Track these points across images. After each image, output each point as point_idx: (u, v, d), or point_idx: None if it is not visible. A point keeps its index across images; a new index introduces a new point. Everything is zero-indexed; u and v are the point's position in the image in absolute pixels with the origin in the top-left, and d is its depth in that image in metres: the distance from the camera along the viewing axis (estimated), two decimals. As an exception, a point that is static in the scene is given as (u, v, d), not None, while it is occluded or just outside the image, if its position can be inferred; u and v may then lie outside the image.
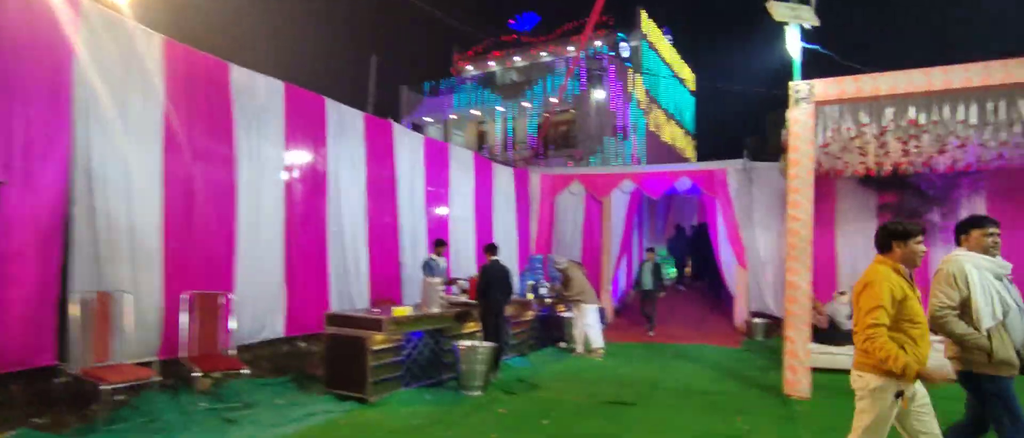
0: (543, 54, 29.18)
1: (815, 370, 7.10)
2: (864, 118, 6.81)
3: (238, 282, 6.55)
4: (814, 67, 6.92)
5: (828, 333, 8.08)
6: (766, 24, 7.04)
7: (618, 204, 12.93)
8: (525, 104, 26.91)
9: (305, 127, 7.63)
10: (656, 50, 29.81)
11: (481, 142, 28.89)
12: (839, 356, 7.97)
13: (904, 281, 3.17)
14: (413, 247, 9.44)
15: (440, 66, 31.95)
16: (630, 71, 26.81)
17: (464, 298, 8.30)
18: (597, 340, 9.23)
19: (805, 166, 6.58)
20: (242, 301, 6.43)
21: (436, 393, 6.69)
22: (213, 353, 5.90)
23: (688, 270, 16.05)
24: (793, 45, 6.90)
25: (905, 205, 10.33)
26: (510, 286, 7.65)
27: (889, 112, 6.63)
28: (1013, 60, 5.89)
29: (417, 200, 9.82)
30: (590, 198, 13.00)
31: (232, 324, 6.11)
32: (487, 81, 29.30)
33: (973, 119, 6.36)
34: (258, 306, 6.82)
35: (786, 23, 6.95)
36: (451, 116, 28.88)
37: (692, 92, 35.73)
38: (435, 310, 7.12)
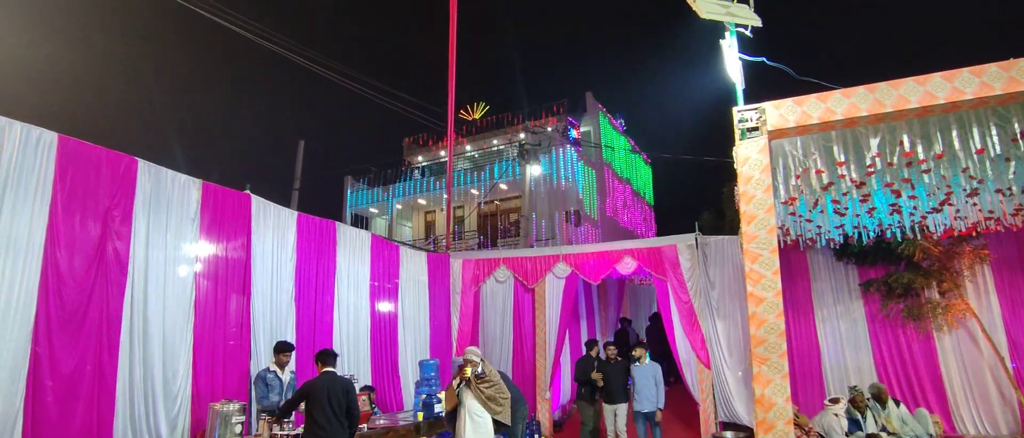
0: (494, 142, 27.91)
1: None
2: (839, 155, 4.87)
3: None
4: (767, 95, 5.05)
5: (819, 461, 5.77)
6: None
7: (553, 293, 10.71)
8: (473, 191, 25.21)
9: (89, 190, 5.50)
10: (609, 134, 28.79)
11: (428, 232, 26.90)
12: (838, 497, 5.64)
13: None
14: (272, 350, 7.09)
15: (389, 157, 30.62)
16: (582, 155, 25.47)
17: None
18: None
19: (763, 221, 4.52)
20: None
21: None
22: None
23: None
24: (732, 61, 5.04)
25: (895, 281, 8.33)
26: (351, 410, 5.22)
27: (874, 143, 4.71)
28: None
29: (283, 289, 7.60)
30: (520, 286, 10.81)
31: None
32: (435, 170, 27.76)
33: (995, 148, 4.44)
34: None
35: (722, 35, 5.14)
36: (396, 206, 27.07)
37: (650, 176, 34.65)
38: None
